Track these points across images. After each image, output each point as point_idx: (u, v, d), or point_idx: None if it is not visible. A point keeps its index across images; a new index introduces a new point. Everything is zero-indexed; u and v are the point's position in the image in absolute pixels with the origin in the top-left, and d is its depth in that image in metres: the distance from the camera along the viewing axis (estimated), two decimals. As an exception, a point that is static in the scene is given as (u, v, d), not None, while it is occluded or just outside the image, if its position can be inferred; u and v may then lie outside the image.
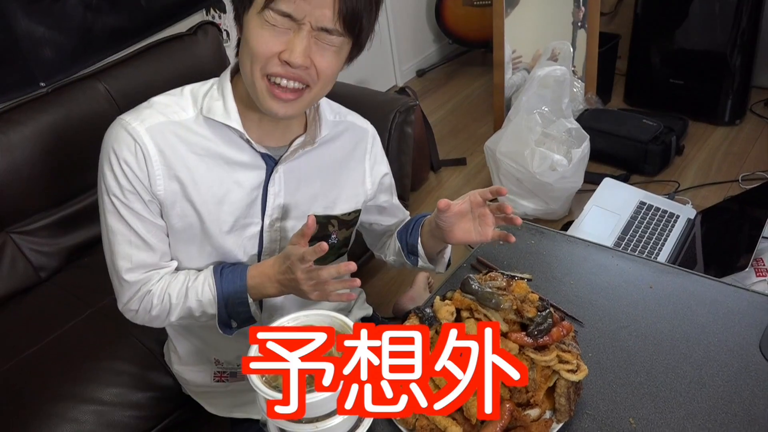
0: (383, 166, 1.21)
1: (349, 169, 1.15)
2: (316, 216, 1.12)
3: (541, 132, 2.30)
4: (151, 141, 0.98)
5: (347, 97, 1.99)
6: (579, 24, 2.77)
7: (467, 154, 2.90)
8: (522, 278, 0.97)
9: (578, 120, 2.55)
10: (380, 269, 2.26)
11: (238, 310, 1.05)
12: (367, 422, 0.87)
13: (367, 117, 1.21)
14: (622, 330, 1.05)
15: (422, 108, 2.68)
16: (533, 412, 0.87)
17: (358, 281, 0.98)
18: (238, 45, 0.99)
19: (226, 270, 1.05)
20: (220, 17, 2.29)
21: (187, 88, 1.04)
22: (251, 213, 1.07)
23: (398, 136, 1.91)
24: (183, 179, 1.01)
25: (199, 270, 1.08)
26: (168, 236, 1.06)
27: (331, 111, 1.12)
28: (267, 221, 1.08)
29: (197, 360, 1.24)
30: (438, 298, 0.95)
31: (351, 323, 0.83)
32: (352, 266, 0.95)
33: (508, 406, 0.83)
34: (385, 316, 1.98)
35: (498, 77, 2.87)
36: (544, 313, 0.88)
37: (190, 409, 1.37)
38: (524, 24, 2.82)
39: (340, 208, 1.15)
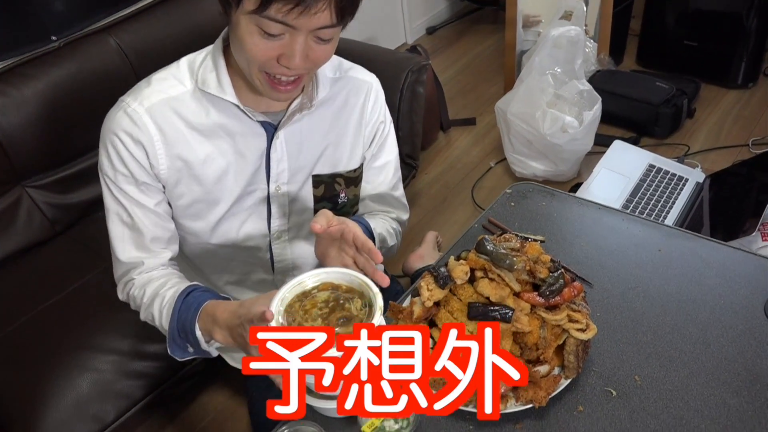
0: (380, 116, 1.15)
1: (351, 125, 1.12)
2: (321, 175, 1.12)
3: (553, 93, 2.28)
4: (151, 121, 0.97)
5: (358, 55, 1.96)
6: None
7: (477, 113, 2.88)
8: (535, 240, 0.99)
9: (590, 81, 2.52)
10: (389, 228, 2.28)
11: (190, 339, 0.97)
12: None
13: (378, 76, 1.17)
14: (630, 291, 1.07)
15: (432, 66, 2.65)
16: (543, 369, 0.90)
17: None
18: (226, 15, 0.90)
19: (194, 293, 0.98)
20: (230, -29, 2.26)
21: (184, 60, 1.02)
22: (256, 180, 1.07)
23: (410, 96, 1.91)
24: (186, 156, 1.01)
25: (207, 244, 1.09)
26: (172, 218, 1.07)
27: (331, 68, 1.08)
28: (272, 186, 1.08)
29: None
30: (452, 257, 0.97)
31: (370, 282, 0.85)
32: None
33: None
34: (394, 274, 2.01)
35: (510, 36, 2.83)
36: (555, 274, 0.91)
37: (205, 359, 1.41)
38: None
39: (345, 166, 1.14)
